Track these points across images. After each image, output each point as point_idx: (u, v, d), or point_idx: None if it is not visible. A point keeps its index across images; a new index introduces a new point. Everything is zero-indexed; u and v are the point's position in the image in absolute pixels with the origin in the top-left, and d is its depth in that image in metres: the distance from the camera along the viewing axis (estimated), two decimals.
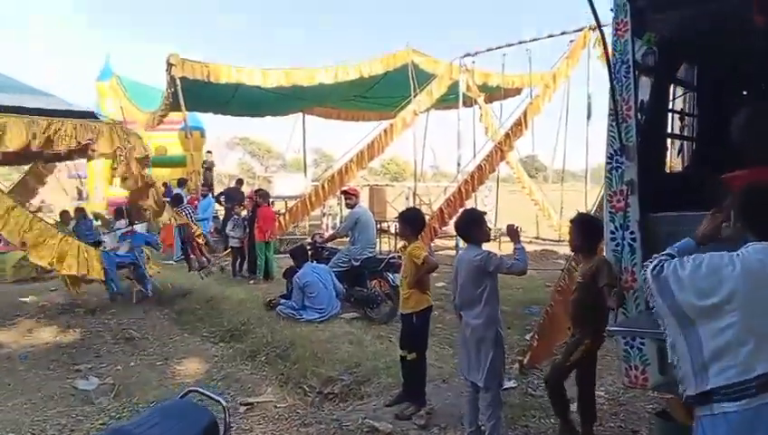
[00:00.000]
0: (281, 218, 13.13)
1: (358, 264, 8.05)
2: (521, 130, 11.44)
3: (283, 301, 7.78)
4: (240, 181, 15.92)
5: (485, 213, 4.57)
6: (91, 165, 17.71)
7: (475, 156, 12.91)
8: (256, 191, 11.89)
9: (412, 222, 4.98)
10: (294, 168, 43.15)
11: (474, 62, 14.65)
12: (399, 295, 5.18)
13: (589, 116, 11.74)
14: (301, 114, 21.13)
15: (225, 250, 12.19)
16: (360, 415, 4.62)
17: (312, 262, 8.14)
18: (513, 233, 4.11)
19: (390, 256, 8.12)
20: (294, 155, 42.36)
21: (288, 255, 8.95)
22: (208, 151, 20.12)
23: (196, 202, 13.89)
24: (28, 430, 4.78)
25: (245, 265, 11.32)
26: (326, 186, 14.07)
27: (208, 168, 19.92)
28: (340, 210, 20.10)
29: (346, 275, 8.06)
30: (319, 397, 5.23)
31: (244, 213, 11.57)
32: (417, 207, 19.56)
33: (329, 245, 8.92)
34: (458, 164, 14.55)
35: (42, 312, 9.06)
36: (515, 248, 4.03)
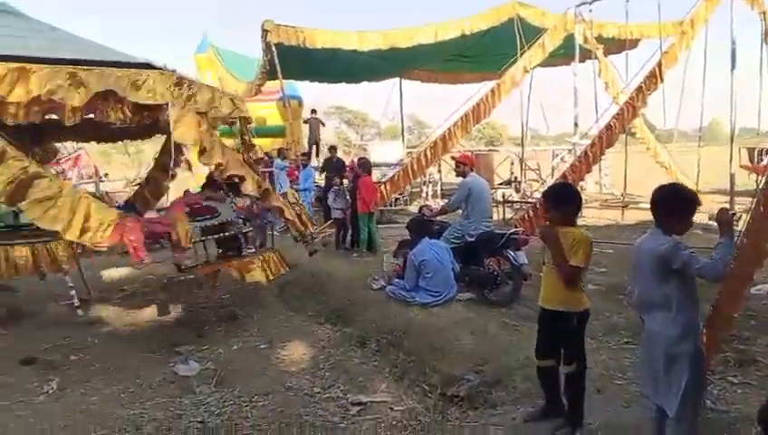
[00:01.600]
0: (382, 188, 12.52)
1: (472, 239, 7.21)
2: (655, 84, 10.06)
3: (396, 280, 7.07)
4: (333, 148, 15.43)
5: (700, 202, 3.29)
6: None
7: (598, 117, 11.59)
8: (358, 160, 11.26)
9: (571, 201, 3.82)
10: (389, 135, 42.68)
11: (591, 10, 13.22)
12: (542, 283, 4.00)
13: (733, 66, 10.12)
14: (398, 79, 20.40)
15: (327, 221, 11.71)
16: (498, 432, 3.83)
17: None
18: (724, 221, 2.99)
19: (511, 230, 7.19)
20: (389, 122, 41.93)
21: (405, 226, 8.04)
22: (313, 110, 19.80)
23: (296, 173, 13.51)
24: (123, 426, 4.35)
25: (348, 238, 10.80)
26: (428, 153, 13.28)
27: (320, 123, 19.71)
28: (440, 178, 19.33)
29: (459, 251, 7.24)
30: (442, 400, 4.47)
31: (345, 182, 10.99)
32: (518, 174, 18.44)
33: (438, 218, 8.10)
34: (575, 124, 13.28)
35: (146, 286, 8.90)
36: (719, 242, 2.94)
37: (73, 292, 7.27)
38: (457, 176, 8.08)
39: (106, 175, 22.08)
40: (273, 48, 12.88)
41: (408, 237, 7.59)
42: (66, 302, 7.36)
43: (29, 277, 7.68)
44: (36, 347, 6.20)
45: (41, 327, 6.89)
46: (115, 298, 8.17)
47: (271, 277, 6.87)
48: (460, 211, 7.65)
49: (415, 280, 6.65)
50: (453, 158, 8.67)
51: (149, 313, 7.45)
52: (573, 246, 3.59)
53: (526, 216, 9.94)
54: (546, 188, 4.79)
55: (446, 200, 10.06)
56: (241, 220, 7.35)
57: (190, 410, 4.71)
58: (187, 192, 8.55)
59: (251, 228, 7.63)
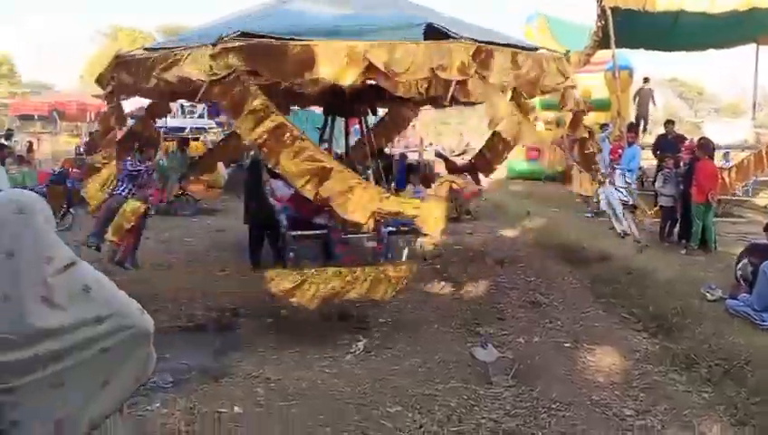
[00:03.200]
0: (724, 175, 10.62)
1: None
2: None
3: (742, 295, 5.74)
4: (670, 122, 13.57)
5: None
6: None
7: None
8: (698, 141, 9.65)
9: None
10: (729, 112, 36.86)
11: None
12: None
13: None
14: (754, 45, 17.14)
15: (654, 209, 10.39)
16: None
17: None
18: None
19: None
20: (732, 97, 36.22)
21: (764, 228, 6.48)
22: (645, 78, 17.84)
23: (619, 151, 12.28)
24: (416, 405, 4.26)
25: (677, 230, 9.39)
26: None
27: (651, 95, 17.70)
28: None
29: None
30: None
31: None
32: None
33: None
34: None
35: (455, 256, 8.98)
36: None
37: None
38: None
39: (430, 144, 23.40)
40: (609, 13, 11.80)
41: (765, 241, 6.09)
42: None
43: None
44: (350, 303, 6.61)
45: None
46: (425, 265, 8.34)
47: None
48: None
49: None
50: None
51: (453, 285, 7.43)
52: None
53: None
54: None
55: None
56: None
57: (484, 402, 4.45)
58: None
59: None
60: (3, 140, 15.34)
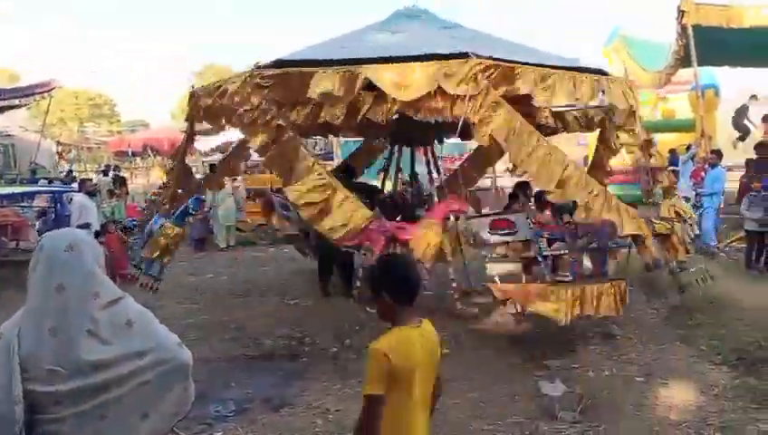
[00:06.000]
0: None
1: None
2: None
3: None
4: (762, 145, 12.72)
5: None
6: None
7: None
8: None
9: None
10: None
11: None
12: None
13: None
14: None
15: (738, 235, 9.83)
16: None
17: None
18: None
19: None
20: None
21: None
22: (752, 96, 16.76)
23: (702, 173, 11.68)
24: None
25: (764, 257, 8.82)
26: None
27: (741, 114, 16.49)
28: None
29: None
30: None
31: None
32: None
33: None
34: None
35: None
36: None
37: (454, 283, 7.49)
38: None
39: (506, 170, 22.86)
40: (690, 31, 11.40)
41: None
42: (449, 292, 7.64)
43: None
44: None
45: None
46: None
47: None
48: None
49: None
50: None
51: (519, 315, 7.22)
52: None
53: None
54: None
55: None
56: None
57: None
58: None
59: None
60: (100, 176, 16.40)
